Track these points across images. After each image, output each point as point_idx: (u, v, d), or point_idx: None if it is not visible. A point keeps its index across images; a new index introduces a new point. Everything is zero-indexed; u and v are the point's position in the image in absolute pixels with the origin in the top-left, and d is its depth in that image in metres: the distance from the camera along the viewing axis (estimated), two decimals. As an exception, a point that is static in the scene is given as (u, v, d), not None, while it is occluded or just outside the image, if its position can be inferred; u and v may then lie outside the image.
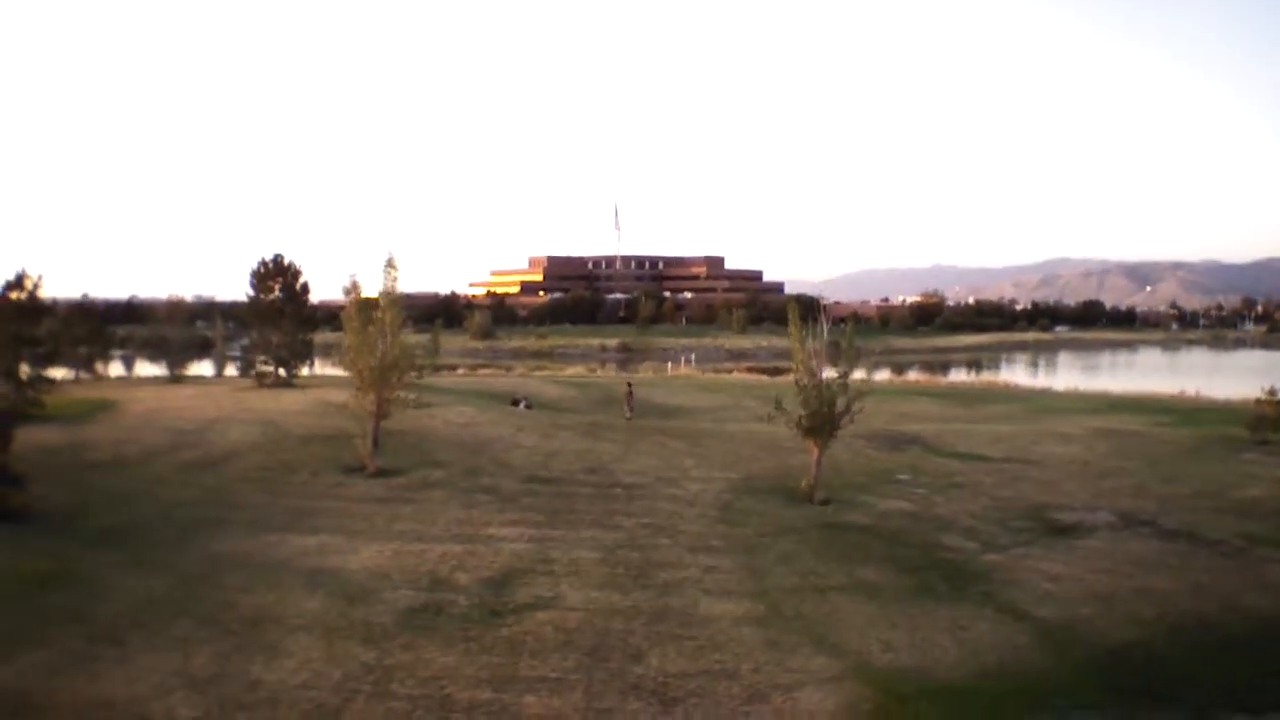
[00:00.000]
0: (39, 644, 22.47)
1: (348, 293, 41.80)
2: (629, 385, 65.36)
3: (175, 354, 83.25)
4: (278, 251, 73.23)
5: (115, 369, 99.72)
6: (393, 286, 41.29)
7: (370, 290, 43.00)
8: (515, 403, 65.59)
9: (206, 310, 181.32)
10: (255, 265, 70.53)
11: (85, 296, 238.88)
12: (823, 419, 37.81)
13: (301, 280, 70.54)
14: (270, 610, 24.95)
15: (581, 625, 24.55)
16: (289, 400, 55.93)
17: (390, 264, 42.14)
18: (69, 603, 25.04)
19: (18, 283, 57.30)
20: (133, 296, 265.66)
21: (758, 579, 28.36)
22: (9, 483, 32.30)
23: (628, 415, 57.36)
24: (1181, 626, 26.00)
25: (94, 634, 23.15)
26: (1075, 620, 26.06)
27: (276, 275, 69.85)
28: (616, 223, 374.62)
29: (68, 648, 22.38)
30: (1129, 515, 36.53)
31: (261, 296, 69.30)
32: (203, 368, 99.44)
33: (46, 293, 61.42)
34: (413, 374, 41.82)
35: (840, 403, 37.86)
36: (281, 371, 67.59)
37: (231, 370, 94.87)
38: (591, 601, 26.16)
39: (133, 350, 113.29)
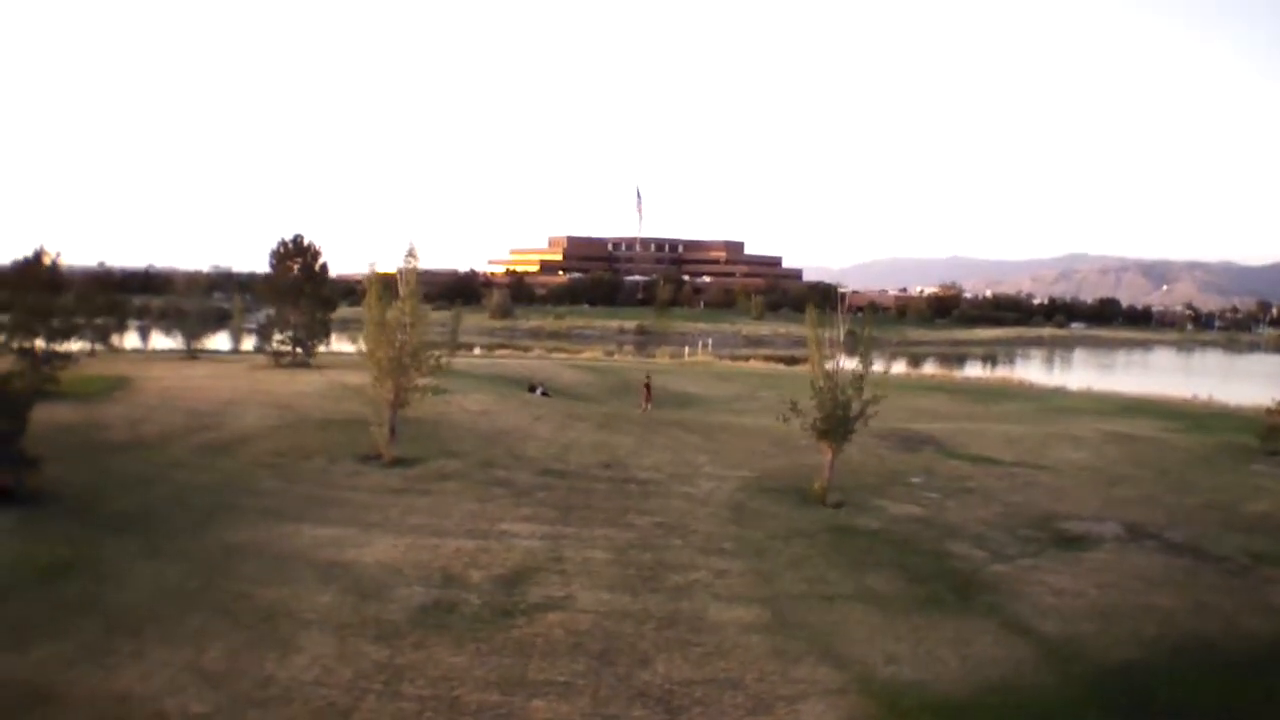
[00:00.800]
0: (55, 635, 22.70)
1: (369, 282, 41.62)
2: (648, 380, 64.19)
3: (192, 326, 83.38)
4: (298, 231, 73.39)
5: (131, 340, 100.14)
6: (413, 277, 41.30)
7: (389, 269, 43.05)
8: (532, 389, 65.75)
9: (224, 281, 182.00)
10: (275, 245, 70.93)
11: (102, 265, 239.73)
12: (837, 421, 37.91)
13: (321, 261, 70.84)
14: (284, 604, 25.19)
15: (591, 628, 24.77)
16: (305, 382, 56.12)
17: (411, 253, 42.22)
18: (85, 591, 25.29)
19: (36, 258, 57.75)
20: (150, 266, 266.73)
21: (767, 584, 28.56)
22: (25, 465, 32.42)
23: (645, 408, 56.85)
24: (1182, 647, 26.16)
25: (110, 625, 23.37)
26: (1078, 636, 26.22)
27: (296, 255, 70.15)
28: (639, 207, 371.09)
29: (84, 639, 22.58)
30: (1136, 527, 36.62)
31: (280, 277, 69.50)
32: (219, 340, 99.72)
33: (64, 261, 61.96)
34: (431, 356, 41.61)
35: (855, 405, 37.96)
36: (299, 350, 67.76)
37: (248, 343, 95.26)
38: (602, 604, 26.39)
39: (149, 321, 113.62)
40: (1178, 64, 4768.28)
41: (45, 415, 37.91)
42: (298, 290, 68.15)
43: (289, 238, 70.92)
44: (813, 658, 23.80)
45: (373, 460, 39.53)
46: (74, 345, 61.52)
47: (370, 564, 28.26)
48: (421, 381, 40.86)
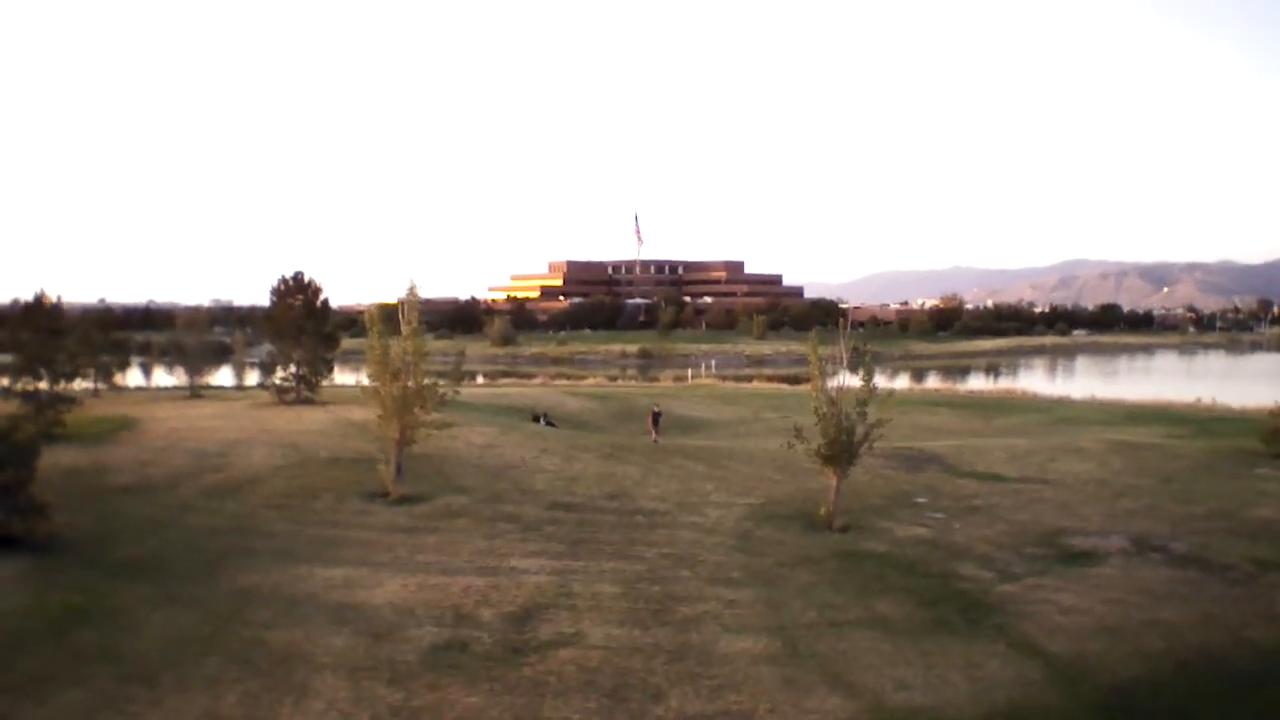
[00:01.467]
0: (72, 684, 22.85)
1: (371, 321, 41.55)
2: (656, 410, 61.71)
3: (194, 362, 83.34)
4: (298, 267, 73.64)
5: (134, 376, 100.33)
6: (414, 316, 41.31)
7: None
8: (536, 419, 65.73)
9: (225, 315, 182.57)
10: (276, 282, 70.87)
11: (103, 301, 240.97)
12: (841, 446, 37.99)
13: (322, 297, 70.76)
14: (298, 648, 25.34)
15: (602, 664, 24.92)
16: (310, 419, 56.07)
17: (411, 291, 42.32)
18: (100, 639, 25.45)
19: (37, 303, 57.90)
20: (150, 301, 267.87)
21: (776, 613, 28.71)
22: (34, 512, 32.58)
23: (654, 439, 55.77)
24: (1188, 661, 26.32)
25: (126, 673, 23.53)
26: (1085, 655, 26.39)
27: (297, 292, 70.08)
28: (638, 233, 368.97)
29: (101, 688, 22.76)
30: (1142, 540, 36.76)
31: (282, 314, 69.39)
32: (222, 375, 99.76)
33: (65, 298, 62.25)
34: (437, 394, 41.56)
35: (859, 430, 38.03)
36: (302, 387, 67.50)
37: (252, 378, 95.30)
38: (612, 639, 26.54)
39: (151, 358, 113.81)
40: (1170, 62, 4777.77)
41: (52, 459, 38.19)
42: (299, 328, 68.01)
43: (289, 275, 70.88)
44: (824, 687, 23.95)
45: (380, 498, 39.68)
46: (78, 384, 61.63)
47: (382, 604, 28.41)
48: (427, 419, 40.93)
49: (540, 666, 24.71)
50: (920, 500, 42.86)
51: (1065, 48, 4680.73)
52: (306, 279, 70.64)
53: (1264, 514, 41.15)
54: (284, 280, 70.79)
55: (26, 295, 60.14)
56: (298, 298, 69.88)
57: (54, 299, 60.12)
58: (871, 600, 29.97)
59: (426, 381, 41.35)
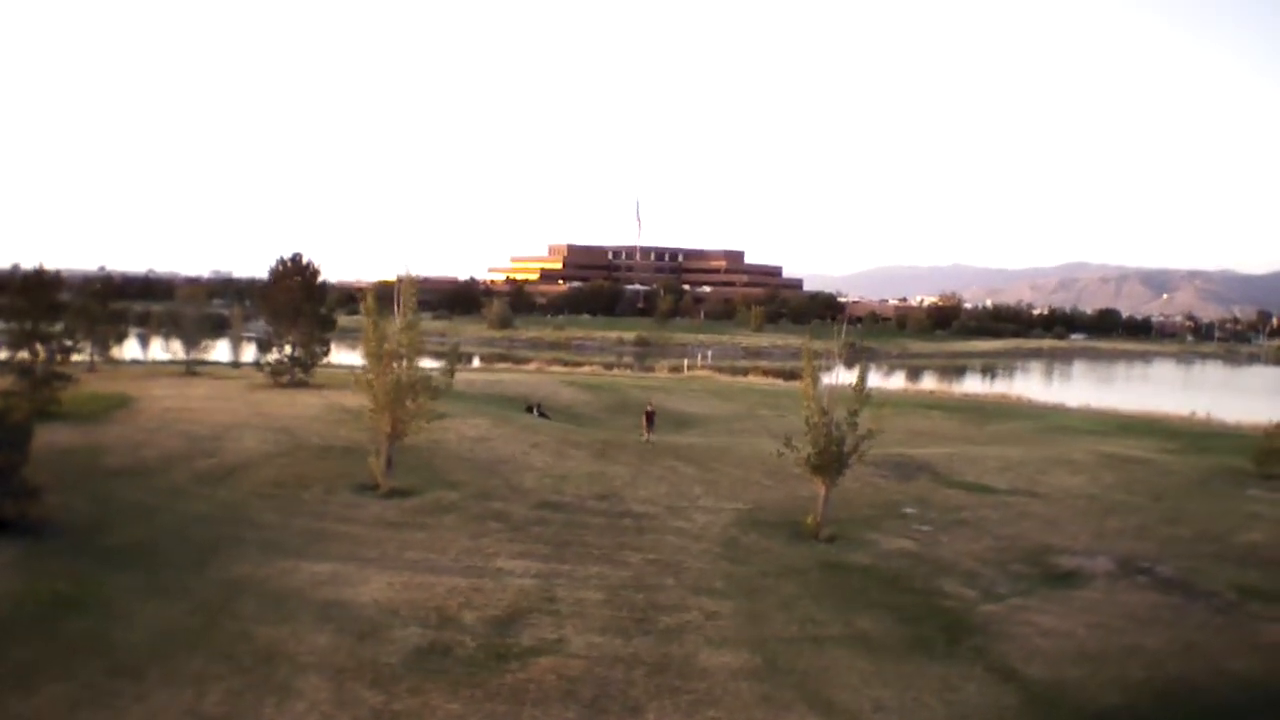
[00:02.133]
0: (60, 675, 23.07)
1: (367, 310, 41.42)
2: (649, 410, 61.31)
3: (191, 333, 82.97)
4: (297, 249, 73.47)
5: (131, 348, 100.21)
6: (410, 306, 41.24)
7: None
8: (529, 409, 65.65)
9: (224, 287, 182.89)
10: (274, 263, 71.06)
11: (103, 269, 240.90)
12: (831, 457, 38.02)
13: (320, 279, 70.84)
14: (282, 645, 25.53)
15: (583, 674, 25.09)
16: (304, 403, 56.00)
17: (408, 279, 42.26)
18: (89, 630, 25.64)
19: (36, 276, 57.77)
20: (150, 271, 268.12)
21: (757, 626, 28.87)
22: (27, 495, 32.67)
23: (646, 438, 55.44)
24: (1169, 691, 26.43)
25: (113, 666, 23.75)
26: (1063, 681, 26.53)
27: (295, 273, 70.10)
28: (638, 219, 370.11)
29: (88, 680, 22.99)
30: (1128, 561, 36.73)
31: (279, 295, 69.39)
32: (219, 349, 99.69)
33: (65, 265, 61.94)
34: (430, 387, 41.49)
35: (849, 441, 38.07)
36: (297, 369, 67.40)
37: (248, 353, 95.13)
38: (594, 648, 26.69)
39: (149, 329, 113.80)
40: (1179, 71, 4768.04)
41: (46, 438, 38.21)
42: (296, 309, 67.96)
43: (288, 255, 70.98)
44: (802, 704, 24.11)
45: (369, 490, 39.71)
46: (74, 358, 61.42)
47: (367, 603, 28.57)
48: (419, 411, 40.79)
49: (521, 674, 24.88)
50: (909, 511, 42.92)
51: (1075, 49, 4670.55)
52: (305, 260, 70.76)
53: (1253, 538, 40.98)
54: (282, 261, 70.92)
55: (26, 262, 60.10)
56: (295, 278, 69.87)
57: (54, 273, 60.05)
58: (853, 616, 30.11)
59: (422, 365, 41.47)
